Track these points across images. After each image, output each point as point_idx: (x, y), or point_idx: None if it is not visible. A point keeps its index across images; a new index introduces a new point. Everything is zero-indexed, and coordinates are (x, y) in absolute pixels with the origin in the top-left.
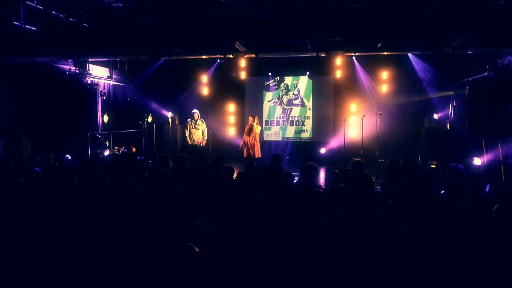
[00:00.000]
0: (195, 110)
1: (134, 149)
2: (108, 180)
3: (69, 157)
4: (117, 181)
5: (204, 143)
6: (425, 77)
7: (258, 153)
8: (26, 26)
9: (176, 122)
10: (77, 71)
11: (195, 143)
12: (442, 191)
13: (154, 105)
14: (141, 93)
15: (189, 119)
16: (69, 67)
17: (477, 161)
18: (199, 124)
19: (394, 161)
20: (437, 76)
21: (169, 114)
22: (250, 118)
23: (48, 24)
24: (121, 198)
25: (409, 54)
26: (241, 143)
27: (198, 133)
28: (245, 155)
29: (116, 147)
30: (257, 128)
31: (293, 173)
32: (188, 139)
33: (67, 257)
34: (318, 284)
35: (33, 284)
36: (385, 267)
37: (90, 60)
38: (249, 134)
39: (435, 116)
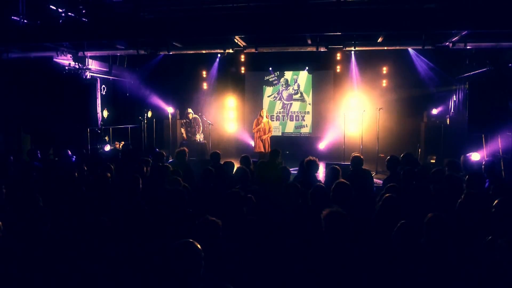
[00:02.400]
0: (189, 110)
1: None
2: (109, 175)
3: (69, 152)
4: (120, 176)
5: (202, 137)
6: (425, 72)
7: (264, 148)
8: (25, 20)
9: (177, 117)
10: (76, 66)
11: (194, 138)
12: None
13: (154, 100)
14: (140, 88)
15: (183, 120)
16: (69, 62)
17: (475, 156)
18: (193, 123)
19: (394, 157)
20: (437, 71)
21: (170, 109)
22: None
23: (47, 19)
24: (125, 193)
25: (409, 49)
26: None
27: (194, 130)
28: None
29: (116, 142)
30: (262, 123)
31: (291, 168)
32: (184, 134)
33: (68, 252)
34: (320, 278)
35: (34, 280)
36: (385, 262)
37: (89, 55)
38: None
39: (434, 111)
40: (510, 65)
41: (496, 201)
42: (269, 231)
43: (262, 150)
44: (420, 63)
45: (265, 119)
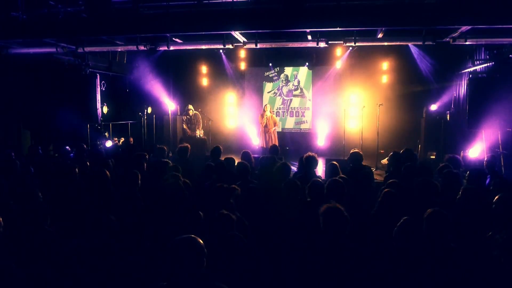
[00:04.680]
0: (190, 107)
1: (131, 140)
2: (108, 172)
3: (69, 149)
4: (121, 171)
5: (202, 133)
6: (425, 68)
7: (264, 143)
8: (24, 16)
9: (177, 113)
10: (76, 62)
11: (194, 134)
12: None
13: (154, 96)
14: (140, 83)
15: (183, 116)
16: (68, 58)
17: (472, 153)
18: (193, 119)
19: (396, 153)
20: (437, 66)
21: (170, 105)
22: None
23: (46, 14)
24: (125, 189)
25: (410, 45)
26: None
27: (195, 127)
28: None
29: (115, 138)
30: (265, 117)
31: (291, 164)
32: (187, 130)
33: (67, 248)
34: (319, 274)
35: (33, 275)
36: (384, 258)
37: (89, 50)
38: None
39: (433, 107)
40: (510, 60)
41: (496, 197)
42: (267, 228)
43: (269, 144)
44: (421, 59)
45: (268, 114)
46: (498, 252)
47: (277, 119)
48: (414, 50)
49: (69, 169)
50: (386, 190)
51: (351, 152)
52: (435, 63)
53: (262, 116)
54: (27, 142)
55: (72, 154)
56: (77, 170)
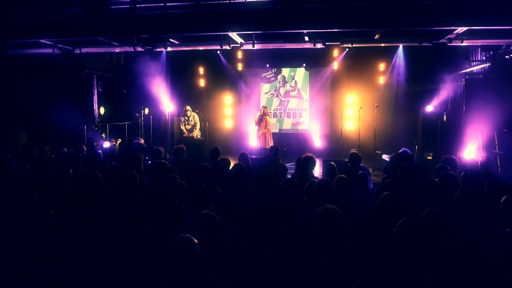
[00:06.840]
0: (188, 108)
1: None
2: (100, 175)
3: (66, 150)
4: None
5: (199, 134)
6: (421, 69)
7: (263, 144)
8: (21, 17)
9: (175, 114)
10: (73, 63)
11: (191, 135)
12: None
13: (151, 97)
14: (137, 85)
15: (181, 116)
16: (65, 59)
17: (469, 153)
18: (191, 120)
19: (397, 155)
20: (434, 67)
21: (167, 106)
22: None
23: (43, 16)
24: (122, 189)
25: (400, 48)
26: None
27: (192, 128)
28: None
29: (113, 140)
30: (256, 120)
31: (289, 165)
32: (185, 131)
33: (64, 250)
34: (316, 275)
35: (29, 277)
36: (381, 259)
37: (85, 52)
38: (257, 124)
39: (429, 108)
40: (507, 61)
41: (504, 197)
42: (264, 227)
43: (265, 145)
44: (417, 60)
45: (263, 115)
46: (492, 251)
47: (272, 120)
48: (407, 52)
49: (63, 170)
50: (385, 193)
51: (350, 152)
52: (432, 64)
53: (257, 117)
54: (23, 143)
55: (68, 155)
56: (71, 171)
